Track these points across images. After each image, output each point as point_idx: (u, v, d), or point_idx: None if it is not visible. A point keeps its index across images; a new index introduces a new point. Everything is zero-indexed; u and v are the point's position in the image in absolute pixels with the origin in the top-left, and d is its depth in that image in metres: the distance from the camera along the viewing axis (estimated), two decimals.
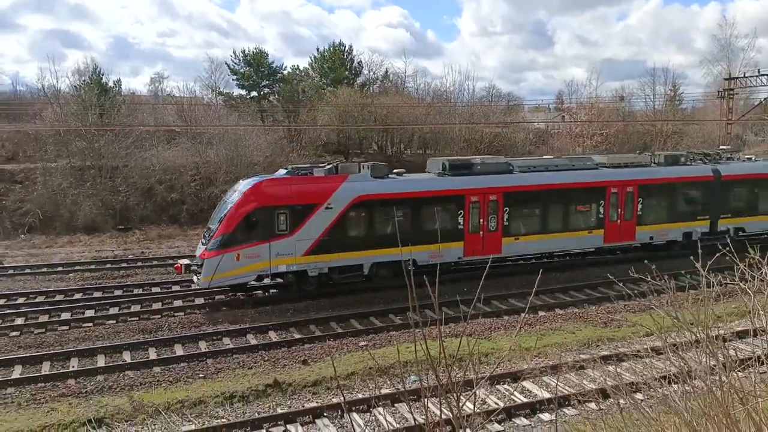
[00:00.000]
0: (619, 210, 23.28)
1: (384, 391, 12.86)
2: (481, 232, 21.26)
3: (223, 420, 11.94)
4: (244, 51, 53.43)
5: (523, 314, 17.38)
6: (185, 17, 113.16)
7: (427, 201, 20.52)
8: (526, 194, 21.93)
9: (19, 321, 17.59)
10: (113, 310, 18.54)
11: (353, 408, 12.20)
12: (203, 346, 15.96)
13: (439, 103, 52.67)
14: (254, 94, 53.63)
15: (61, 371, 14.19)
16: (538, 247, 22.86)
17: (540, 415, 11.88)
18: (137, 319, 17.91)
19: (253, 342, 16.18)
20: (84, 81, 39.84)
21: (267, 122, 47.51)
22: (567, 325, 16.92)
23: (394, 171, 21.77)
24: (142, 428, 11.70)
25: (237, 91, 54.35)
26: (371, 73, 57.03)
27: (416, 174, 22.59)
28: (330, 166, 20.40)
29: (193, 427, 11.47)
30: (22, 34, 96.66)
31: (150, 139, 37.15)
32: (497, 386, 13.03)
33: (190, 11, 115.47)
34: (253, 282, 19.49)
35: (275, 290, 20.59)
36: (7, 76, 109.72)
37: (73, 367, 14.52)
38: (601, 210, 23.01)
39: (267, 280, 20.11)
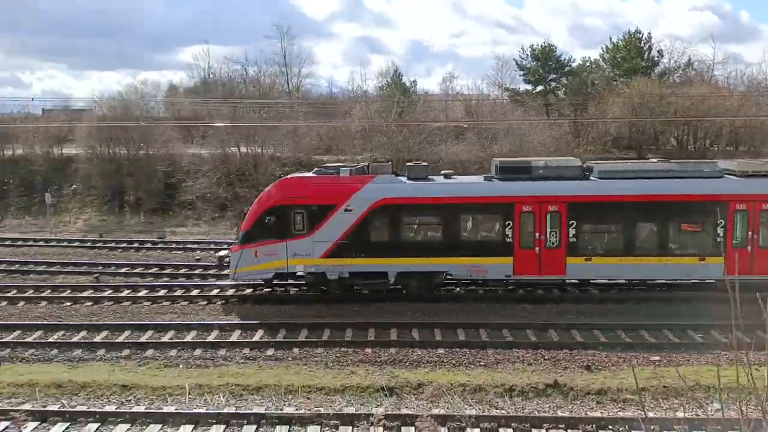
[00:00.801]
0: (750, 233, 17.89)
1: (680, 414, 11.55)
2: (536, 248, 18.27)
3: (502, 411, 12.04)
4: (532, 46, 53.15)
5: None
6: (474, 17, 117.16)
7: (465, 208, 18.66)
8: (603, 206, 18.12)
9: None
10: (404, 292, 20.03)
11: (644, 427, 11.17)
12: (484, 335, 16.31)
13: (756, 92, 45.33)
14: (540, 88, 53.00)
15: (361, 340, 15.88)
16: (621, 273, 18.74)
17: None
18: (422, 303, 18.89)
19: (533, 339, 15.99)
20: (386, 82, 44.01)
21: (552, 117, 46.54)
22: None
23: (442, 173, 20.06)
24: (427, 404, 12.42)
25: (523, 87, 54.38)
26: (671, 62, 51.72)
27: (464, 177, 20.82)
28: (360, 166, 19.73)
29: (474, 412, 11.78)
30: (335, 42, 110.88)
31: (440, 135, 39.27)
32: None
33: (479, 10, 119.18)
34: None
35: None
36: (324, 79, 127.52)
37: (370, 337, 16.14)
38: (720, 232, 17.89)
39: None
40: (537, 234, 18.33)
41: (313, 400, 12.62)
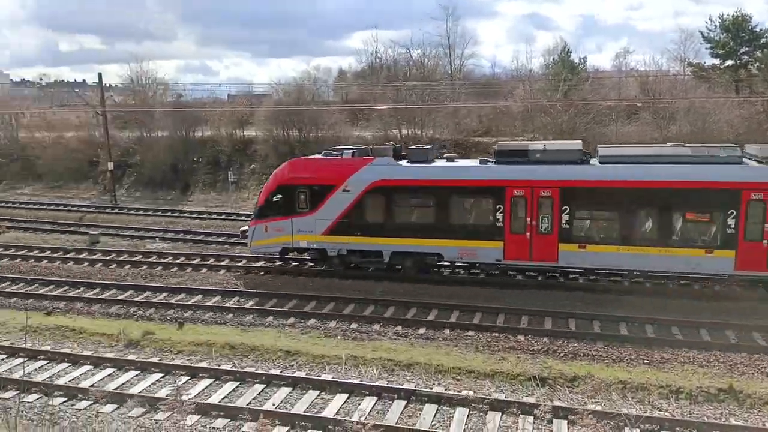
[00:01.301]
0: (766, 225, 16.19)
1: None
2: (527, 234, 17.99)
3: (666, 414, 11.20)
4: (722, 15, 47.63)
5: None
6: None
7: (457, 191, 18.69)
8: (599, 192, 17.36)
9: (482, 275, 19.99)
10: (562, 279, 19.29)
11: None
12: (649, 330, 15.19)
13: None
14: (729, 62, 47.44)
15: (513, 326, 15.60)
16: (618, 262, 17.63)
17: None
18: (582, 291, 18.16)
19: (707, 338, 14.57)
20: (553, 60, 42.13)
21: (742, 94, 41.51)
22: None
23: (444, 155, 20.24)
24: (582, 398, 11.87)
25: (709, 61, 49.03)
26: None
27: (461, 160, 20.61)
28: (364, 148, 20.83)
29: (634, 411, 11.02)
30: (499, 20, 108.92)
31: (610, 115, 36.91)
32: None
33: None
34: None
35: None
36: (487, 59, 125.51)
37: (523, 324, 15.78)
38: (732, 222, 16.44)
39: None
40: (528, 219, 18.05)
41: (462, 382, 12.66)
